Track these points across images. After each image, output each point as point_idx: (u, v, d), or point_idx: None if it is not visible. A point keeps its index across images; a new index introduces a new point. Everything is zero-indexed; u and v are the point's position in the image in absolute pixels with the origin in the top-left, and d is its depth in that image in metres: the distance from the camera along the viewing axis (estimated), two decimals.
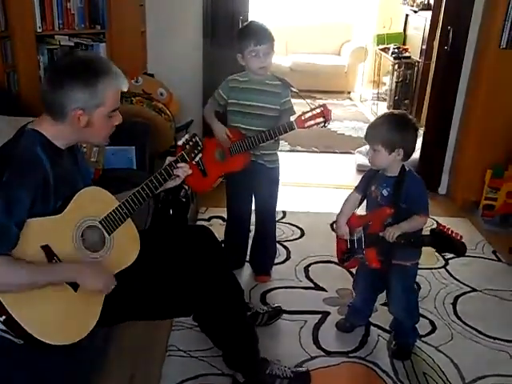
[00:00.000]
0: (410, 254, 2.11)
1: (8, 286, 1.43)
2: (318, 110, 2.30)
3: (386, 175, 2.07)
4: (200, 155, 1.91)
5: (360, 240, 2.09)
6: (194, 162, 1.89)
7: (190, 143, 1.88)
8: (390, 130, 1.98)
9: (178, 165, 1.81)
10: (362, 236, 2.08)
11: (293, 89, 2.45)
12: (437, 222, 2.02)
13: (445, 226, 1.94)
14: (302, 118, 2.32)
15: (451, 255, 3.06)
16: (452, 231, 1.91)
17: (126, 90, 1.64)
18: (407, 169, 2.06)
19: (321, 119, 2.31)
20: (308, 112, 2.32)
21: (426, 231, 2.04)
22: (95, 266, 1.63)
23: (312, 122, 2.32)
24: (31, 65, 3.08)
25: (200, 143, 1.90)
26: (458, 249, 1.91)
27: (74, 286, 1.56)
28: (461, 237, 1.91)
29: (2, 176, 1.44)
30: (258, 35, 2.33)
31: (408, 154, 2.01)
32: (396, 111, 2.15)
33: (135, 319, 1.89)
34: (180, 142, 1.88)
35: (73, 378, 1.62)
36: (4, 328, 1.46)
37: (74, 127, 1.58)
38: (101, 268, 1.63)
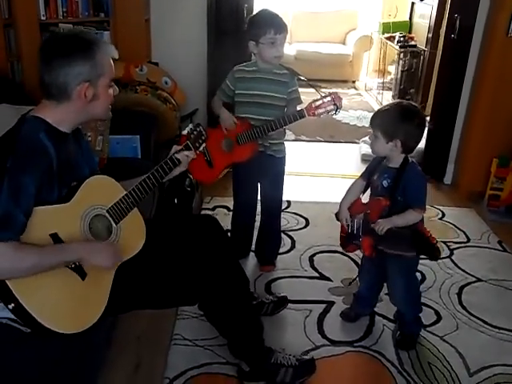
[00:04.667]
0: (410, 245, 2.09)
1: (18, 272, 1.42)
2: (329, 98, 2.28)
3: (388, 166, 2.06)
4: (204, 144, 1.91)
5: (359, 227, 2.12)
6: (198, 152, 1.89)
7: (195, 132, 1.88)
8: (393, 119, 1.96)
9: (184, 153, 1.82)
10: (361, 223, 2.11)
11: (301, 77, 2.43)
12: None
13: (425, 228, 2.05)
14: (313, 106, 2.29)
15: (456, 245, 3.07)
16: (431, 234, 2.01)
17: (117, 57, 1.65)
18: (410, 161, 2.04)
19: (331, 107, 2.28)
20: (318, 100, 2.29)
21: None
22: (101, 243, 1.62)
23: (322, 110, 2.29)
24: (35, 53, 3.03)
25: (204, 133, 1.90)
26: (432, 251, 2.02)
27: (82, 275, 1.56)
28: (436, 241, 2.01)
29: (6, 163, 1.43)
30: (278, 24, 2.31)
31: (408, 147, 1.99)
32: (406, 102, 2.12)
33: (141, 308, 1.88)
34: (185, 132, 1.89)
35: (78, 367, 1.63)
36: (11, 317, 1.47)
37: (80, 104, 1.57)
38: (107, 245, 1.63)
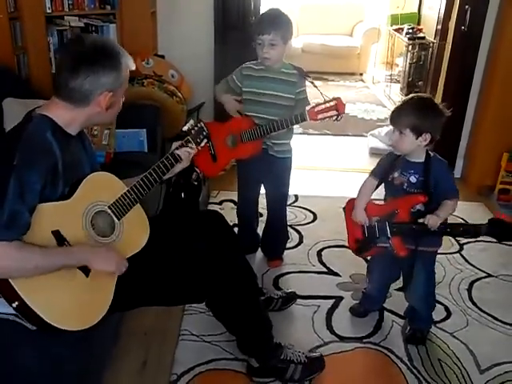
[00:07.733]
0: (436, 240, 2.09)
1: (21, 271, 1.41)
2: (332, 103, 2.23)
3: (410, 161, 2.02)
4: (206, 140, 1.90)
5: (383, 228, 2.05)
6: (199, 147, 1.88)
7: (196, 128, 1.88)
8: (420, 114, 1.93)
9: (184, 148, 1.83)
10: (385, 224, 2.04)
11: (308, 79, 2.39)
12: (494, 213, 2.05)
13: (501, 215, 1.96)
14: (315, 110, 2.24)
15: (466, 240, 3.03)
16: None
17: (133, 68, 1.66)
18: (432, 154, 2.02)
19: (334, 112, 2.23)
20: (321, 104, 2.24)
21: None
22: (107, 248, 1.62)
23: (325, 115, 2.24)
24: (41, 46, 3.05)
25: (205, 128, 1.90)
26: None
27: (86, 272, 1.55)
28: None
29: (13, 160, 1.41)
30: (262, 25, 2.27)
31: (434, 139, 1.97)
32: (424, 95, 2.09)
33: (147, 305, 1.88)
34: (185, 128, 1.89)
35: (85, 364, 1.62)
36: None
37: (96, 110, 1.58)
38: (112, 250, 1.63)
